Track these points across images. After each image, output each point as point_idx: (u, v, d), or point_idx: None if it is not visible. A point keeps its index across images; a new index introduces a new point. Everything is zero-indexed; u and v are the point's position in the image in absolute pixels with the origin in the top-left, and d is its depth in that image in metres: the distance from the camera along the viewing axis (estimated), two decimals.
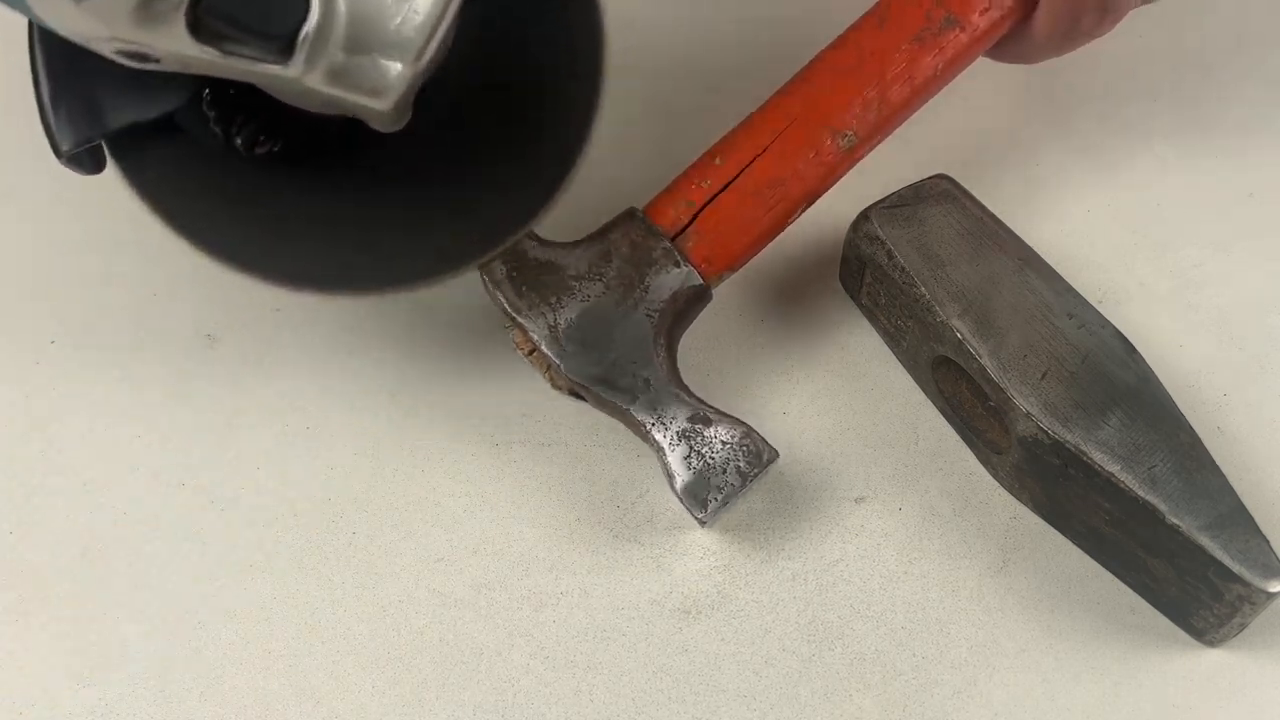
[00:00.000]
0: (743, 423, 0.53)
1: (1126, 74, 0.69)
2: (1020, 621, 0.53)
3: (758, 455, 0.53)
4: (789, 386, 0.60)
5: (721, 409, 0.54)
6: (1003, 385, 0.53)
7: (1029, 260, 0.57)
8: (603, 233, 0.56)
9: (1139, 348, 0.54)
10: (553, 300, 0.54)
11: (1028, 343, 0.54)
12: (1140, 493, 0.50)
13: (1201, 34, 0.71)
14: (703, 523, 0.53)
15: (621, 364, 0.54)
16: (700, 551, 0.55)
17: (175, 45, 0.42)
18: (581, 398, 0.55)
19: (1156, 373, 0.53)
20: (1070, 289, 0.56)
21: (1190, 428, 0.52)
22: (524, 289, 0.54)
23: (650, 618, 0.54)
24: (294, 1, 0.43)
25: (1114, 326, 0.55)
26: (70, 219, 0.64)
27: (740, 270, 0.57)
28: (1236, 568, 0.48)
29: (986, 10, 0.56)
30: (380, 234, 0.52)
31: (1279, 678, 0.52)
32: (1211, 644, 0.53)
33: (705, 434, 0.53)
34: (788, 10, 0.70)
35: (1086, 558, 0.55)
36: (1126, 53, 0.68)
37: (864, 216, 0.58)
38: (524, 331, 0.54)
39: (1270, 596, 0.48)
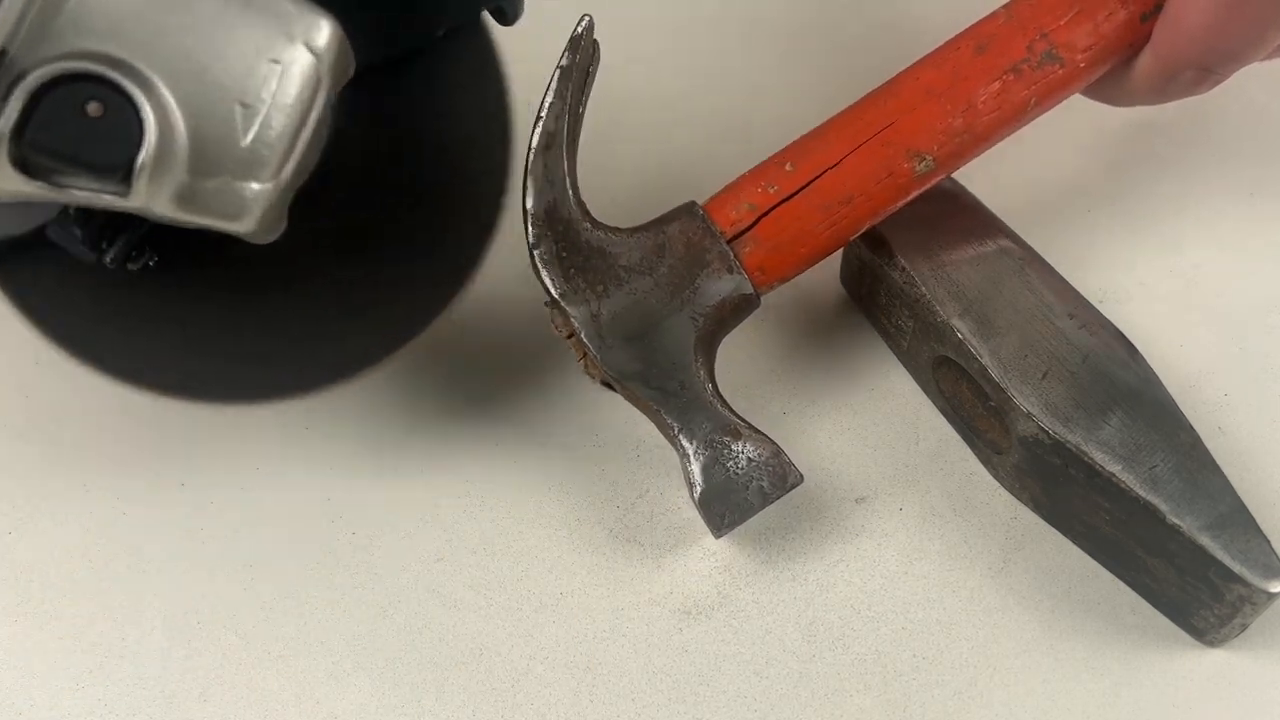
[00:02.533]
0: (773, 442, 0.52)
1: None
2: (1021, 621, 0.53)
3: (782, 478, 0.52)
4: (789, 387, 0.60)
5: (755, 424, 0.52)
6: (1003, 385, 0.53)
7: (1029, 260, 0.57)
8: (660, 224, 0.54)
9: (1140, 348, 0.54)
10: (599, 289, 0.52)
11: (1028, 342, 0.54)
12: (1141, 493, 0.50)
13: None
14: (716, 536, 0.52)
15: (659, 363, 0.52)
16: (700, 552, 0.55)
17: (5, 184, 0.39)
18: (613, 388, 0.54)
19: (1157, 372, 0.53)
20: (1070, 289, 0.56)
21: (1191, 428, 0.52)
22: (572, 272, 0.52)
23: (650, 618, 0.54)
24: (126, 128, 0.39)
25: (1115, 326, 0.55)
26: None
27: None
28: (1237, 568, 0.48)
29: (1089, 49, 0.53)
30: (271, 340, 0.50)
31: (1279, 678, 0.52)
32: (1212, 644, 0.52)
33: (733, 447, 0.52)
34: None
35: (1087, 558, 0.55)
36: None
37: None
38: (566, 316, 0.53)
39: (1271, 597, 0.48)
